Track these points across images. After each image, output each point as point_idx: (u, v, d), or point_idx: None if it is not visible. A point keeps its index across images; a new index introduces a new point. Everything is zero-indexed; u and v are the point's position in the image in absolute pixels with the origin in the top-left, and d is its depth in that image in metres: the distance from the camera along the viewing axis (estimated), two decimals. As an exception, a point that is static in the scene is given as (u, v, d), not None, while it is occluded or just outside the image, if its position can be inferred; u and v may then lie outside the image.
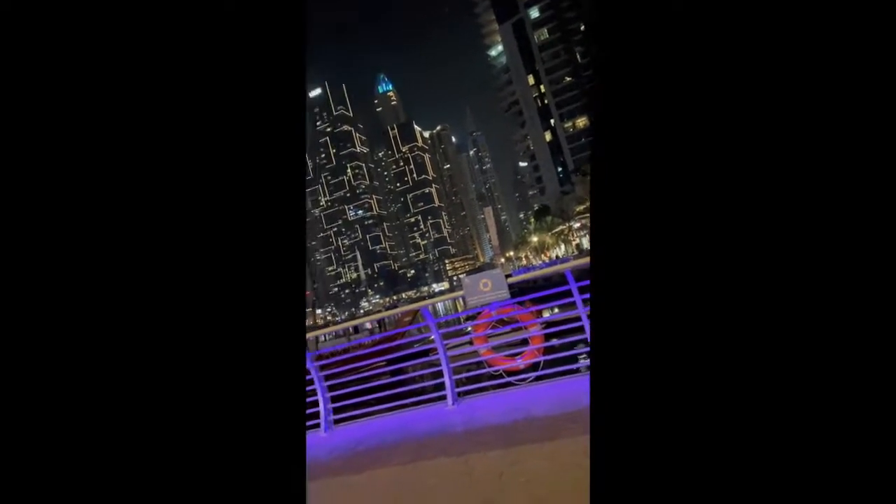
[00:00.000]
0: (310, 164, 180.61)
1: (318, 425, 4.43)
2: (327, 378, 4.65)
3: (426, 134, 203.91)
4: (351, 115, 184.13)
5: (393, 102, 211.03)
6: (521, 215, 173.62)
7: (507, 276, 4.21)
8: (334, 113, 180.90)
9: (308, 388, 4.57)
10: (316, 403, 4.50)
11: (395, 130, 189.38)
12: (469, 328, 5.44)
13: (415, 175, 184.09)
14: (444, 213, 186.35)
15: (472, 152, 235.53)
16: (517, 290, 4.36)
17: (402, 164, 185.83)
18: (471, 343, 5.18)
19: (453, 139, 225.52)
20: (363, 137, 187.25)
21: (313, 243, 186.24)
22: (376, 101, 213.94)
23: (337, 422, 4.53)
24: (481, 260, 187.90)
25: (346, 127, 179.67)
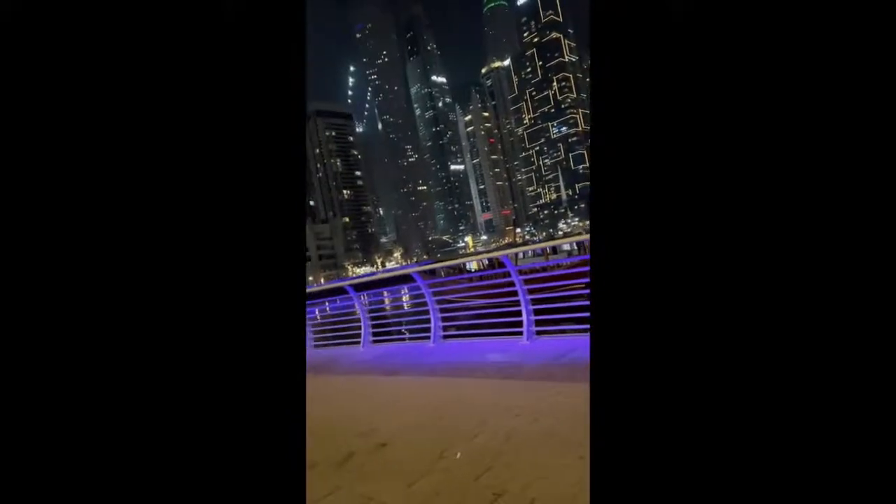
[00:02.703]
0: (515, 79, 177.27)
1: (521, 333, 4.82)
2: (529, 292, 4.91)
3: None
4: (560, 20, 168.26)
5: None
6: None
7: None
8: (542, 20, 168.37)
9: (513, 299, 4.95)
10: (518, 313, 4.86)
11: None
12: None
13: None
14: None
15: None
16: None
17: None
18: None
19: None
20: (572, 44, 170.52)
21: (515, 163, 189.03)
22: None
23: (539, 333, 4.83)
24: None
25: (554, 34, 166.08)
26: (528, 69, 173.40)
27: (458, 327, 6.62)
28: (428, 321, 5.73)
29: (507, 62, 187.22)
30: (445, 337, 5.73)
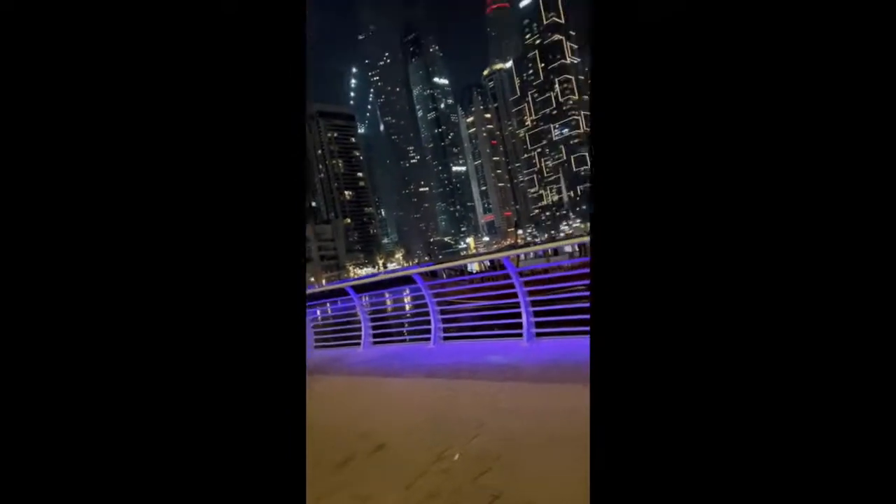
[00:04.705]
0: (517, 81, 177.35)
1: (520, 335, 4.82)
2: (529, 294, 4.92)
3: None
4: (563, 21, 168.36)
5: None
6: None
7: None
8: (545, 22, 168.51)
9: (512, 301, 4.96)
10: (519, 315, 4.86)
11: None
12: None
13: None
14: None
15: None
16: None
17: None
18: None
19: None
20: (574, 46, 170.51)
21: (517, 165, 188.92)
22: None
23: (538, 335, 4.83)
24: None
25: (556, 37, 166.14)
26: (531, 71, 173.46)
27: (459, 329, 6.63)
28: (428, 322, 5.74)
29: (509, 64, 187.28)
30: (446, 338, 5.74)
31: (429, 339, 5.69)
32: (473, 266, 19.16)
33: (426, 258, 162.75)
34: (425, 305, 5.75)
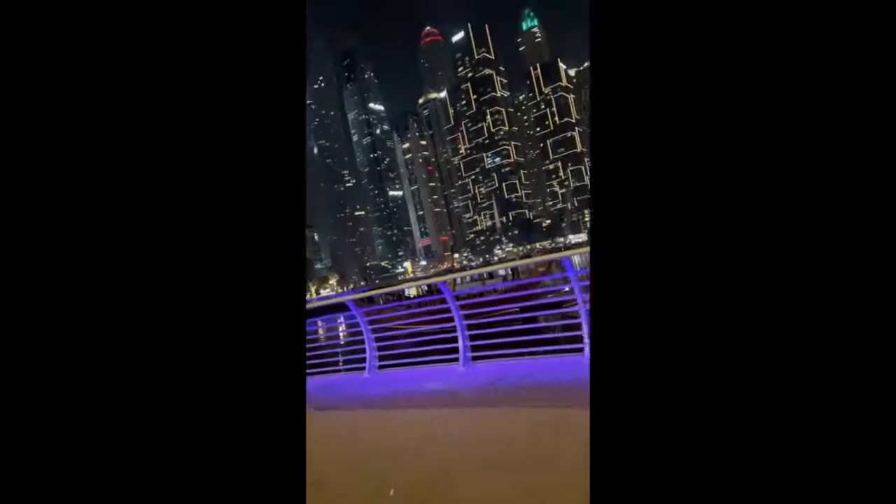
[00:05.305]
0: (451, 111, 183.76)
1: (456, 359, 4.84)
2: (465, 318, 4.99)
3: (572, 72, 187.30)
4: (493, 57, 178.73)
5: (538, 40, 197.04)
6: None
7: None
8: (476, 57, 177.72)
9: (449, 325, 5.00)
10: (455, 339, 4.90)
11: (538, 71, 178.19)
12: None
13: (556, 118, 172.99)
14: (586, 159, 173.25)
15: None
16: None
17: (543, 106, 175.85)
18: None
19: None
20: (504, 81, 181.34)
21: (453, 191, 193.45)
22: (520, 41, 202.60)
23: (474, 358, 4.88)
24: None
25: (487, 71, 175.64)
26: (464, 101, 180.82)
27: (396, 356, 6.52)
28: (364, 351, 5.58)
29: (443, 94, 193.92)
30: (381, 366, 5.61)
31: (364, 367, 5.52)
32: (411, 291, 19.07)
33: (362, 283, 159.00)
34: (361, 333, 5.61)
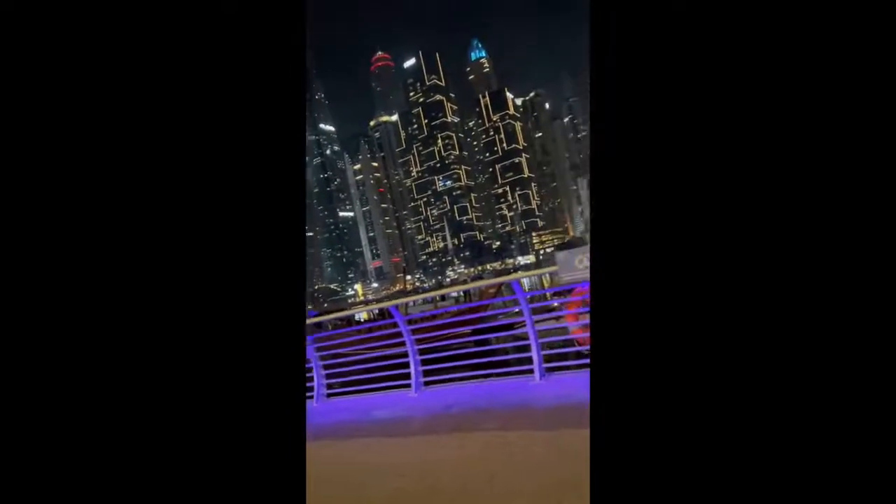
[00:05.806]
0: (403, 134, 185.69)
1: (409, 385, 4.75)
2: (417, 342, 4.93)
3: (518, 101, 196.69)
4: (443, 84, 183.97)
5: (485, 69, 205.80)
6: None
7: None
8: (427, 83, 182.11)
9: (401, 350, 4.91)
10: (407, 365, 4.82)
11: (487, 98, 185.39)
12: (555, 304, 5.37)
13: (504, 145, 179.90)
14: (533, 184, 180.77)
15: (566, 120, 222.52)
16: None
17: (492, 133, 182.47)
18: (556, 320, 5.13)
19: (547, 106, 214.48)
20: (454, 107, 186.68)
21: (405, 212, 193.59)
22: (468, 70, 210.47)
23: (427, 383, 4.82)
24: (571, 234, 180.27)
25: (438, 97, 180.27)
26: (415, 125, 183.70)
27: (346, 384, 6.28)
28: (311, 380, 5.34)
29: (394, 117, 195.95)
30: (330, 395, 5.38)
31: (311, 397, 5.27)
32: (362, 315, 18.60)
33: (309, 307, 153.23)
34: (308, 361, 5.37)
